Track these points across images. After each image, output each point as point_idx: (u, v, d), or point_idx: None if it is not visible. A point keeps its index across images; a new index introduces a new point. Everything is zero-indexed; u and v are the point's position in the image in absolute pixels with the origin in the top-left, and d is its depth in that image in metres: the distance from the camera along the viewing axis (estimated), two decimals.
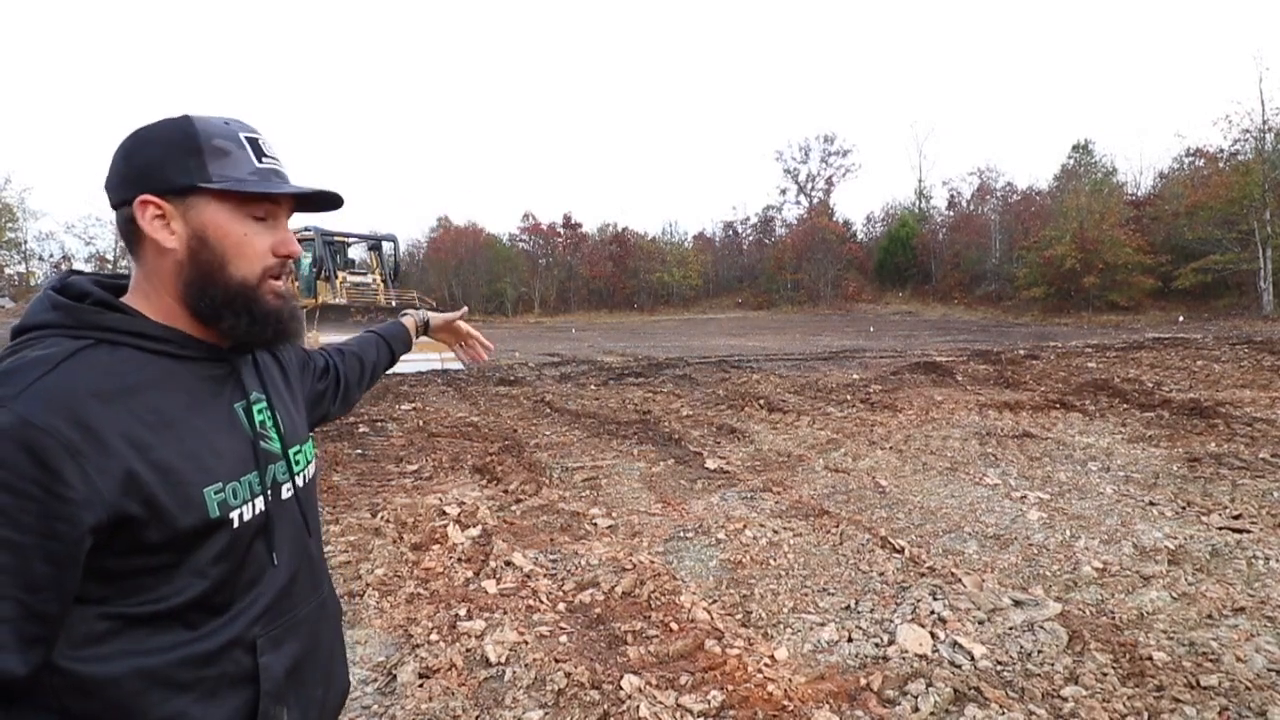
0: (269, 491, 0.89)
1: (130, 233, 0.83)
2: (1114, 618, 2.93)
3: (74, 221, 49.13)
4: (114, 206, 0.84)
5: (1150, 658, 2.55)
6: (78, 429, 0.70)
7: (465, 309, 1.74)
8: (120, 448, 0.73)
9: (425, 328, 1.59)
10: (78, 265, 43.22)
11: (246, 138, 0.85)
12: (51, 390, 0.71)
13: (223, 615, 0.83)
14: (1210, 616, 2.90)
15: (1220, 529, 3.88)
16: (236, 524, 0.83)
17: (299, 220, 15.61)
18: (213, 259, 0.82)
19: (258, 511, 0.87)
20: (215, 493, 0.81)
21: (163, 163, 0.80)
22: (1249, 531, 3.81)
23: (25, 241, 44.11)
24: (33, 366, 0.72)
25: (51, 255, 44.78)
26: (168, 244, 0.81)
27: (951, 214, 47.95)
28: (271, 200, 0.86)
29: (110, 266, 41.87)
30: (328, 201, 0.94)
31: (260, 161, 0.85)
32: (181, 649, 0.79)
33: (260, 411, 0.93)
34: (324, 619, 1.01)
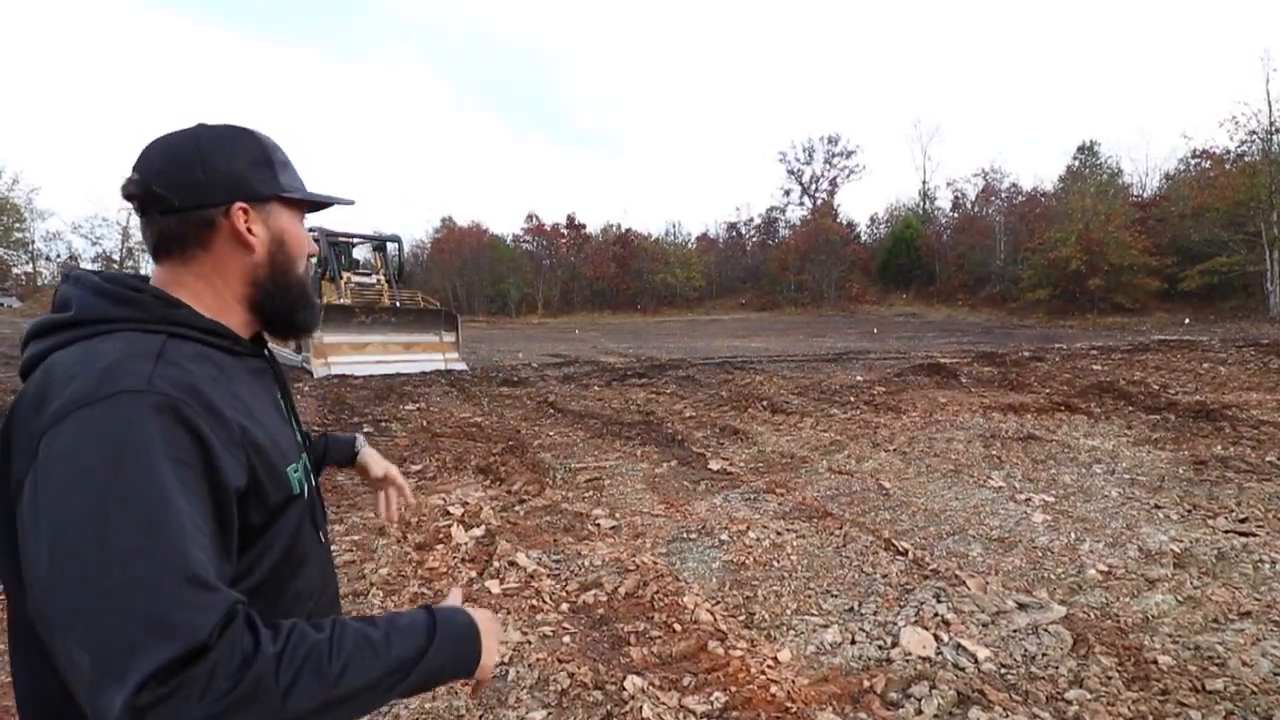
0: (308, 477, 0.97)
1: (193, 234, 0.86)
2: (1119, 621, 2.92)
3: (80, 221, 49.40)
4: (177, 209, 0.85)
5: (1155, 661, 2.54)
6: (208, 410, 0.75)
7: (393, 476, 1.41)
8: (237, 426, 0.78)
9: (355, 456, 1.40)
10: (84, 265, 43.45)
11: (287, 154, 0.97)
12: (173, 376, 0.74)
13: (286, 592, 0.88)
14: (1216, 620, 2.89)
15: (1226, 532, 3.87)
16: (305, 499, 0.92)
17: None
18: (286, 260, 0.93)
19: (308, 493, 0.94)
20: (293, 472, 0.88)
21: (247, 173, 0.88)
22: (1255, 535, 3.80)
23: (32, 241, 44.34)
24: (141, 356, 0.74)
25: (58, 255, 45.04)
26: (255, 247, 0.89)
27: (956, 215, 47.93)
28: (312, 207, 0.99)
29: (116, 266, 42.04)
30: (335, 205, 1.04)
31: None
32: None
33: (286, 407, 1.01)
34: (339, 603, 1.09)
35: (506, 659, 2.62)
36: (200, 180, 0.85)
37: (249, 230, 0.88)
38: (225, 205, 0.86)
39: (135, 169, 0.85)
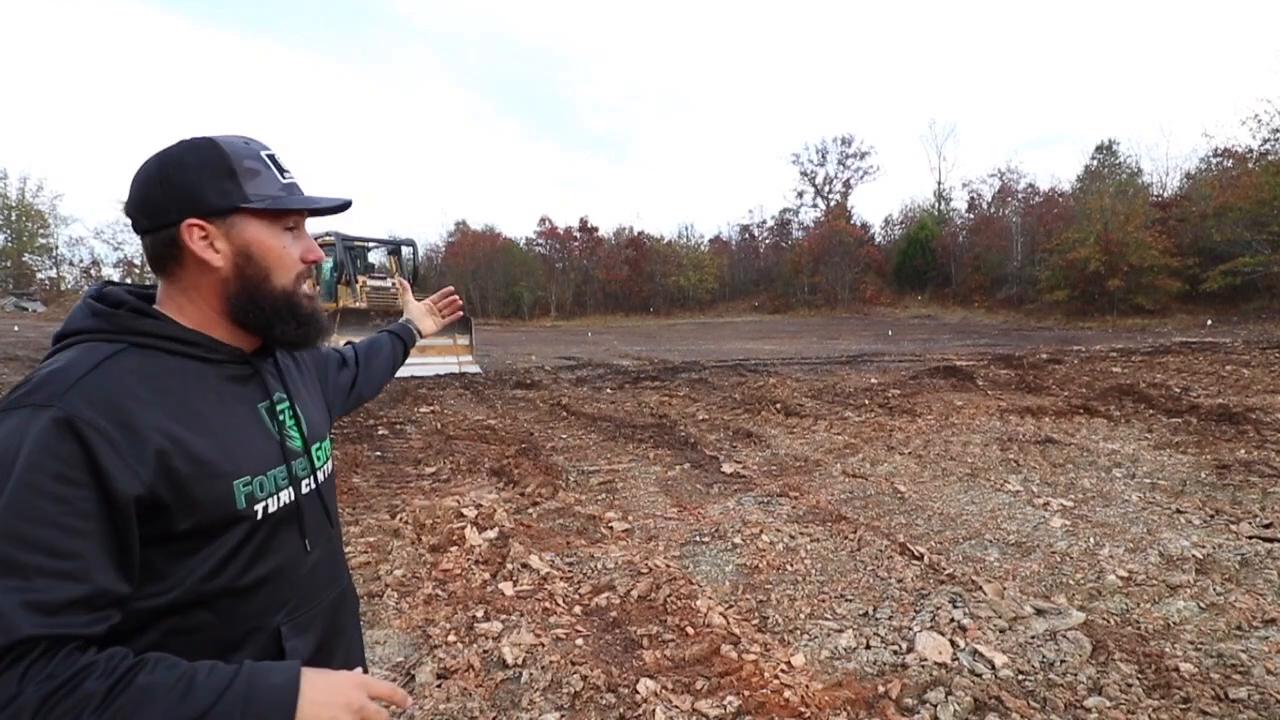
0: (293, 485, 0.95)
1: (167, 252, 0.87)
2: (1139, 628, 2.87)
3: (103, 227, 50.14)
4: (147, 229, 0.87)
5: (1177, 669, 2.50)
6: (116, 424, 0.76)
7: (405, 284, 1.78)
8: (155, 440, 0.78)
9: (419, 334, 1.63)
10: (106, 270, 44.24)
11: (267, 156, 0.91)
12: (93, 389, 0.77)
13: (249, 602, 0.87)
14: (1239, 627, 2.84)
15: (1250, 538, 3.80)
16: (260, 515, 0.88)
17: (319, 225, 15.81)
18: (257, 273, 0.90)
19: (284, 504, 0.93)
20: (244, 485, 0.86)
21: (202, 187, 0.86)
22: (1279, 541, 3.73)
23: (56, 247, 45.12)
24: (75, 368, 0.78)
25: (81, 260, 45.76)
26: (215, 263, 0.87)
27: (971, 216, 47.37)
28: (300, 213, 0.94)
29: (138, 271, 42.70)
30: (337, 208, 1.00)
31: (283, 177, 0.92)
32: (208, 633, 0.83)
33: (283, 411, 0.99)
34: (344, 608, 1.06)
35: (521, 661, 2.63)
36: (159, 199, 0.86)
37: (210, 246, 0.86)
38: (179, 223, 0.85)
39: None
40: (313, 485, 1.00)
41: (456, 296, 1.69)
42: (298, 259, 0.93)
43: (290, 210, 0.91)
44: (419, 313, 1.63)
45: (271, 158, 0.92)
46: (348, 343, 1.47)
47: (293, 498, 0.94)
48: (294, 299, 0.93)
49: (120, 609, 0.75)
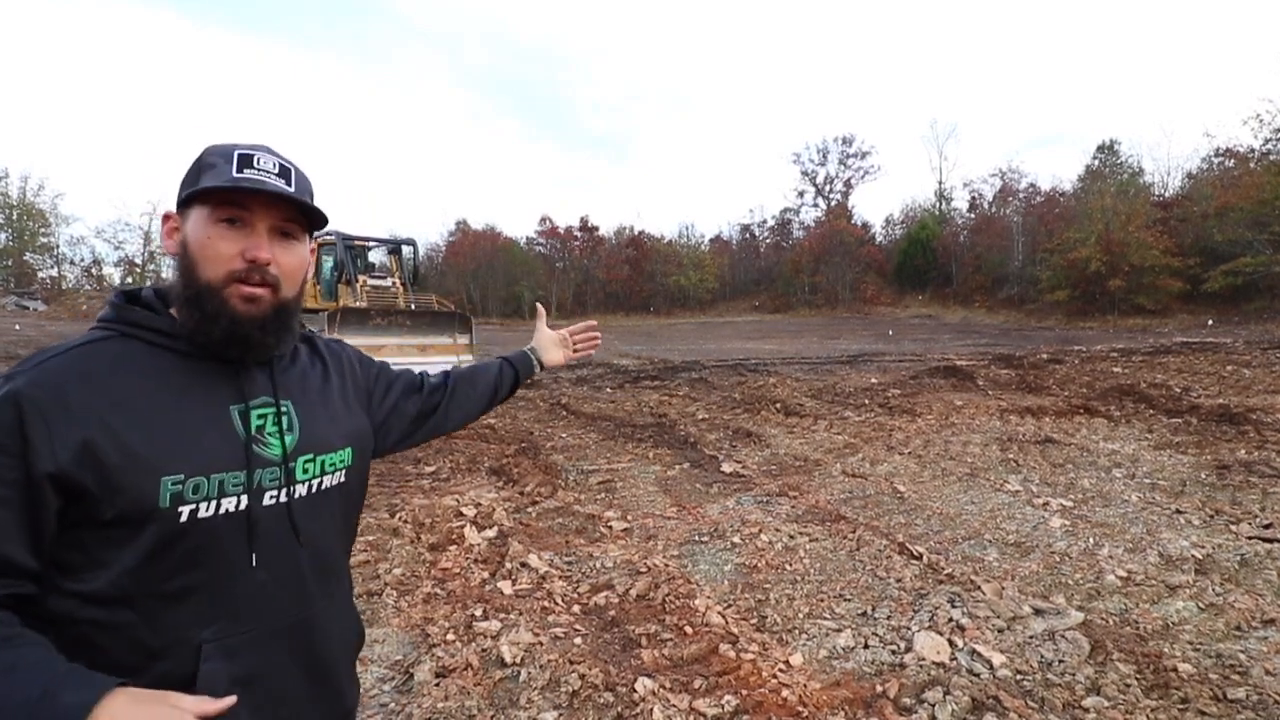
0: (251, 494, 0.88)
1: None
2: (1138, 628, 2.87)
3: (104, 226, 50.23)
4: None
5: (1175, 669, 2.50)
6: (54, 403, 0.79)
7: (541, 310, 1.59)
8: (87, 425, 0.80)
9: (540, 365, 1.50)
10: (107, 269, 44.28)
11: (240, 154, 0.89)
12: (48, 369, 0.82)
13: (173, 610, 0.83)
14: (1238, 628, 2.84)
15: (1250, 538, 3.79)
16: (185, 518, 0.83)
17: None
18: (189, 261, 0.89)
19: (225, 511, 0.86)
20: (173, 483, 0.82)
21: (182, 185, 0.91)
22: (1279, 541, 3.73)
23: (57, 246, 45.12)
24: (49, 350, 0.84)
25: (82, 260, 45.74)
26: (170, 251, 0.92)
27: (973, 216, 47.39)
28: (236, 204, 0.88)
29: (139, 270, 42.72)
30: (312, 213, 0.94)
31: (241, 172, 0.87)
32: (130, 633, 0.82)
33: (264, 416, 0.92)
34: (304, 636, 0.95)
35: (519, 659, 2.63)
36: None
37: (168, 235, 0.92)
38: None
39: None
40: (280, 498, 0.91)
41: (598, 333, 1.56)
42: (234, 255, 0.87)
43: (208, 196, 0.87)
44: (548, 341, 1.51)
45: (246, 157, 0.88)
46: (448, 370, 1.35)
47: (242, 506, 0.87)
48: (213, 294, 0.87)
49: (29, 582, 0.77)
